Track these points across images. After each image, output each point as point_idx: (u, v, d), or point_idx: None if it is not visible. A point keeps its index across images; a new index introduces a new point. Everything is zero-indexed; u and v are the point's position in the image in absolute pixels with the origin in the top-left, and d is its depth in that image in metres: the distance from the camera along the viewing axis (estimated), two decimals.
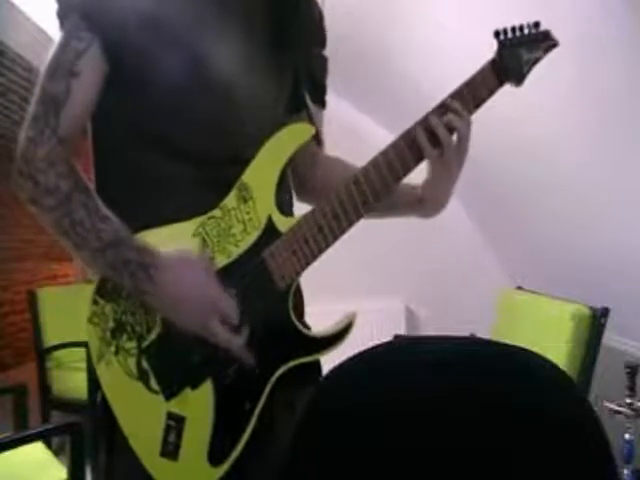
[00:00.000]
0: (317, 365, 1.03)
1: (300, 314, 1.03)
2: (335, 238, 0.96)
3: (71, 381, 3.06)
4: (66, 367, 3.17)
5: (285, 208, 1.00)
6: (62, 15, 0.91)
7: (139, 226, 0.89)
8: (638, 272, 2.07)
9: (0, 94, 3.87)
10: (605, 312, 1.92)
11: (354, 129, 3.26)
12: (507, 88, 0.99)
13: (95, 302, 0.92)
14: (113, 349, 0.91)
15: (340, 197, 0.95)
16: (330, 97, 1.13)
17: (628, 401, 1.87)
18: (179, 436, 0.91)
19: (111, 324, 0.91)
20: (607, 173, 1.99)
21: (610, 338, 2.10)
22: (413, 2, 2.21)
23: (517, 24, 0.99)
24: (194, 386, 0.92)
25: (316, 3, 1.09)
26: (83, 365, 1.16)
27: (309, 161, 1.13)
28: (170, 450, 0.91)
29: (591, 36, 1.64)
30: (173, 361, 0.91)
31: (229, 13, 0.95)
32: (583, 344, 1.92)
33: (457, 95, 0.97)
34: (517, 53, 0.98)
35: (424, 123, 0.96)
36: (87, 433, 1.82)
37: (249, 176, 0.94)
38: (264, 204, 0.94)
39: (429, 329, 3.47)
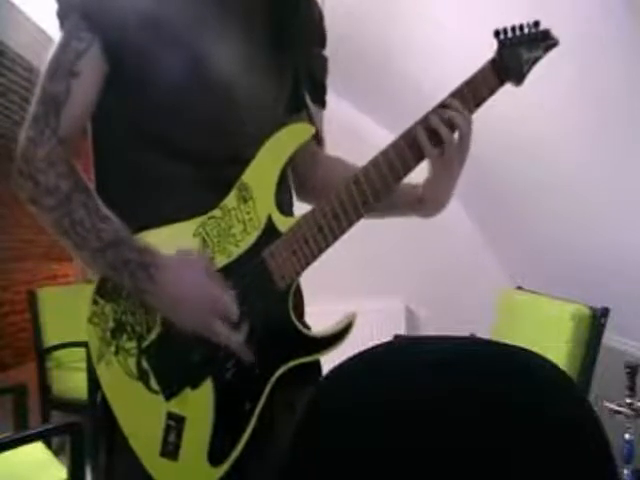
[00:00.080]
0: (317, 365, 1.03)
1: (300, 314, 1.03)
2: (335, 238, 0.96)
3: (71, 381, 3.06)
4: (66, 367, 3.17)
5: (285, 208, 1.00)
6: (62, 15, 0.91)
7: (139, 226, 0.89)
8: (638, 272, 2.07)
9: (0, 94, 3.87)
10: (605, 312, 1.92)
11: (354, 129, 3.26)
12: (507, 87, 0.99)
13: (95, 302, 0.92)
14: (113, 349, 0.91)
15: (340, 197, 0.95)
16: (330, 97, 1.13)
17: (628, 401, 1.87)
18: (179, 436, 0.91)
19: (111, 324, 0.91)
20: (607, 173, 1.99)
21: (610, 338, 2.10)
22: (413, 2, 2.21)
23: (517, 24, 0.99)
24: (194, 386, 0.92)
25: (316, 3, 1.09)
26: (83, 365, 1.16)
27: (309, 161, 1.13)
28: (170, 450, 0.91)
29: (591, 36, 1.64)
30: (173, 361, 0.91)
31: (229, 13, 0.95)
32: (583, 344, 1.92)
33: (458, 94, 0.97)
34: (517, 52, 0.98)
35: (424, 122, 0.96)
36: (87, 433, 1.82)
37: (249, 176, 0.94)
38: (264, 204, 0.94)
39: (429, 329, 3.47)
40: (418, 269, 3.43)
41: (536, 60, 1.00)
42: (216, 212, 0.92)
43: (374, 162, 0.96)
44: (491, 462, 0.64)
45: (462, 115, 0.96)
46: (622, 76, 1.67)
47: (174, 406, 0.91)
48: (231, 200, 0.93)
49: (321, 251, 0.95)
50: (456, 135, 0.97)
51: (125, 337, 0.91)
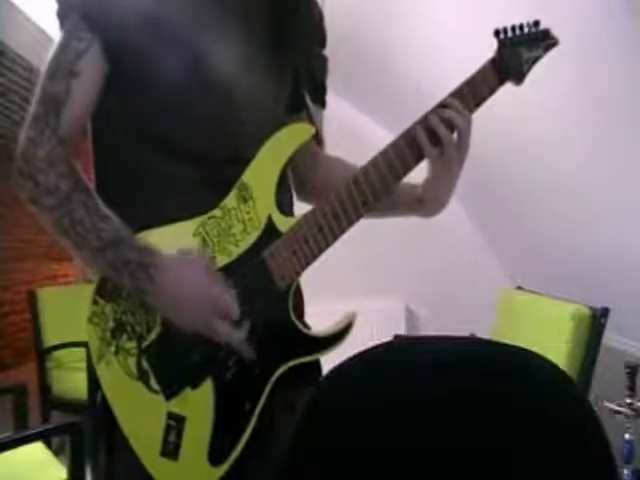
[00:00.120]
0: (317, 365, 1.03)
1: (300, 314, 1.03)
2: (335, 238, 0.96)
3: (71, 381, 3.06)
4: (66, 367, 3.17)
5: (285, 208, 1.00)
6: (62, 15, 0.91)
7: (139, 226, 0.89)
8: (638, 272, 2.07)
9: (0, 94, 3.87)
10: (605, 312, 1.92)
11: (354, 129, 3.26)
12: (507, 87, 0.99)
13: (95, 302, 0.92)
14: (113, 349, 0.91)
15: (340, 197, 0.95)
16: (330, 97, 1.13)
17: (628, 401, 1.87)
18: (179, 436, 0.91)
19: (111, 324, 0.91)
20: (607, 173, 1.99)
21: (610, 338, 2.10)
22: (413, 2, 2.21)
23: (517, 23, 0.99)
24: (194, 386, 0.92)
25: (316, 3, 1.09)
26: (83, 365, 1.16)
27: (309, 161, 1.13)
28: (170, 450, 0.91)
29: (591, 36, 1.64)
30: (173, 361, 0.91)
31: (229, 13, 0.95)
32: (583, 344, 1.92)
33: (457, 94, 0.97)
34: (517, 52, 0.98)
35: (424, 122, 0.96)
36: (87, 433, 1.82)
37: (249, 176, 0.94)
38: (264, 204, 0.94)
39: (429, 329, 3.47)
40: (418, 269, 3.43)
41: (536, 60, 1.00)
42: (216, 212, 0.92)
43: (374, 162, 0.96)
44: (491, 462, 0.64)
45: (462, 115, 0.96)
46: (622, 76, 1.67)
47: (174, 406, 0.91)
48: (231, 200, 0.93)
49: (321, 251, 0.95)
50: (456, 135, 0.97)
51: (125, 337, 0.91)
